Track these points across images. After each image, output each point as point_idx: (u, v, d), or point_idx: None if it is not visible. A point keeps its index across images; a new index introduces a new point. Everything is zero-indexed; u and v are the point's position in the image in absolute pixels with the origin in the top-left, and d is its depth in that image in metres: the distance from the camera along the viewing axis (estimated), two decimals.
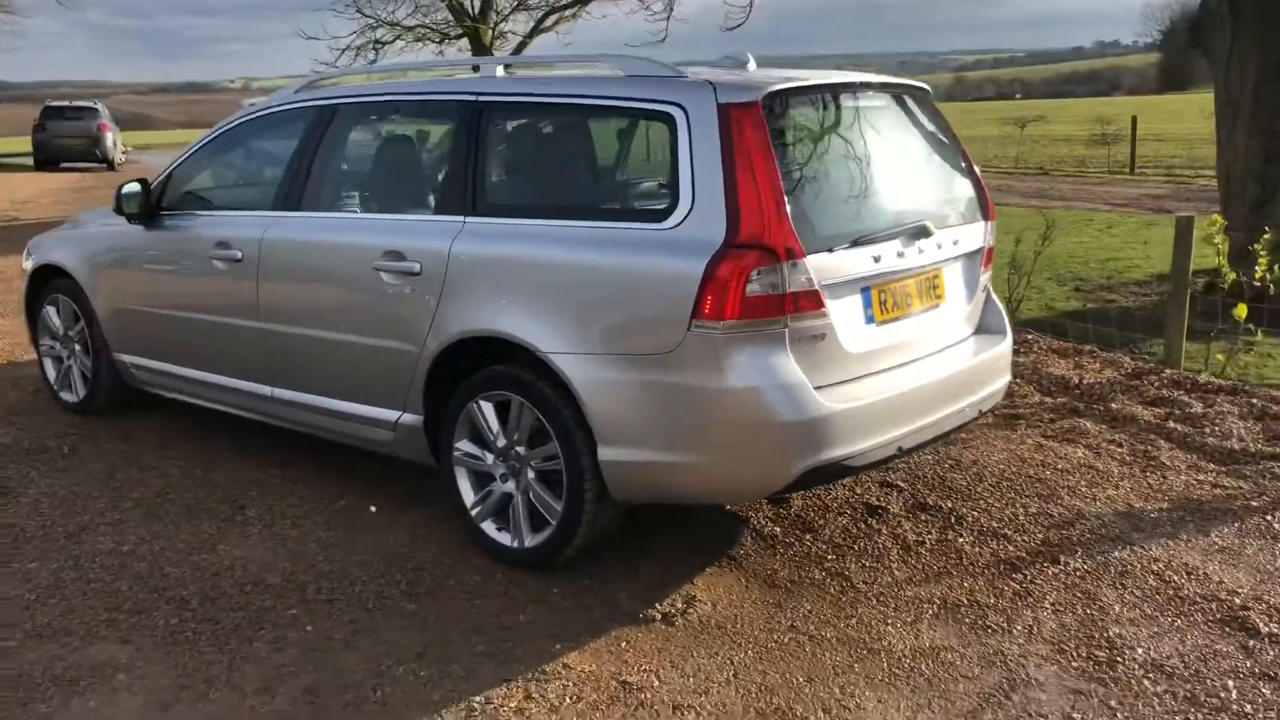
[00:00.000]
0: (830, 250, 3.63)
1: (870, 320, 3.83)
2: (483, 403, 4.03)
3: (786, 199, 3.51)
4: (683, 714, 3.14)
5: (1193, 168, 22.53)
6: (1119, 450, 5.18)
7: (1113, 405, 5.74)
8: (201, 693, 3.24)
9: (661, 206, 3.65)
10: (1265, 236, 6.22)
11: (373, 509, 4.57)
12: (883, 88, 4.23)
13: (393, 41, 20.45)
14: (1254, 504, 4.54)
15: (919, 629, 3.60)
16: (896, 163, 4.19)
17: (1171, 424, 5.44)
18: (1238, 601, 3.74)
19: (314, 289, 4.55)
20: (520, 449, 3.97)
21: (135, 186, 5.17)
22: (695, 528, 4.38)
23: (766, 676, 3.33)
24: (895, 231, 3.91)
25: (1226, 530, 4.31)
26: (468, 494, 4.17)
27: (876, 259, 3.81)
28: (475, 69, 4.51)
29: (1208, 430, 5.33)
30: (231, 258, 4.79)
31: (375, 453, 4.69)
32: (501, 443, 4.02)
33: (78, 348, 5.87)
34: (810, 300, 3.55)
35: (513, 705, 3.17)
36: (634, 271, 3.63)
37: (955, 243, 4.23)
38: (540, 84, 4.19)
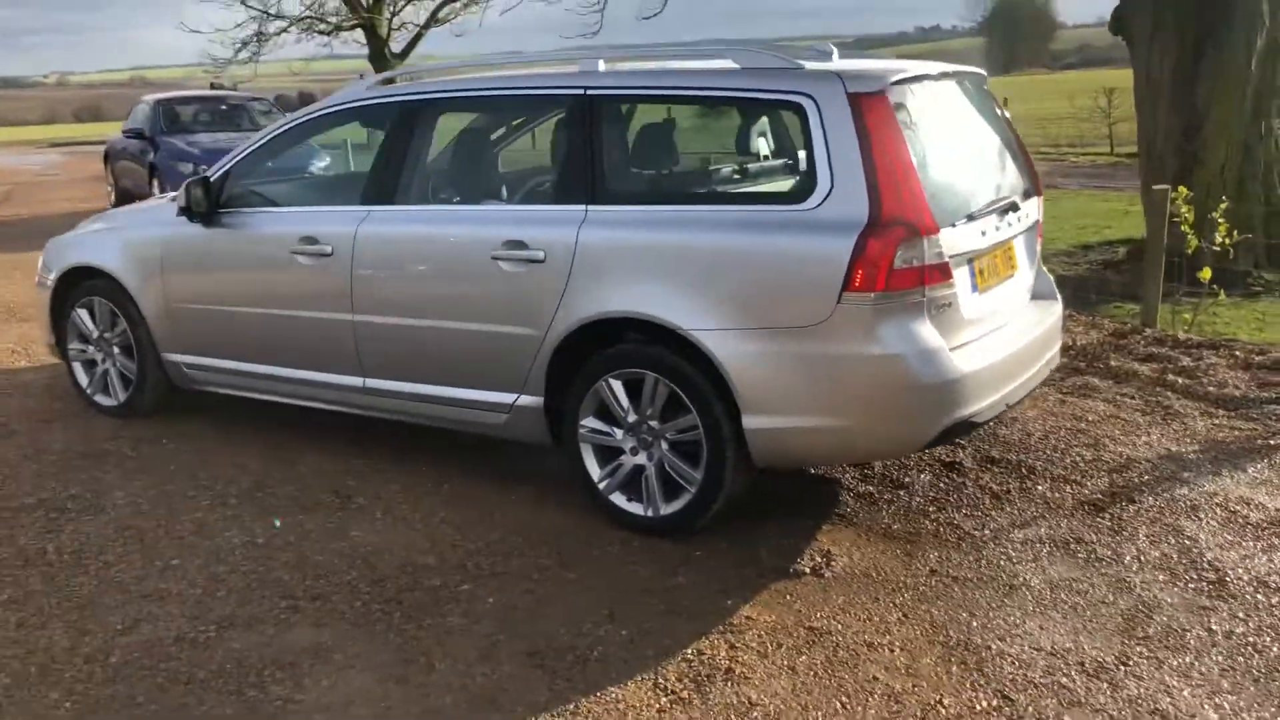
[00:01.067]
0: (953, 225, 3.98)
1: (975, 289, 4.20)
2: (612, 380, 4.24)
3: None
4: (877, 651, 3.45)
5: (1055, 146, 23.88)
6: (1134, 402, 5.71)
7: (1111, 363, 6.29)
8: (427, 666, 3.39)
9: (797, 189, 3.94)
10: (1223, 205, 6.87)
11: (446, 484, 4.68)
12: (960, 75, 4.60)
13: (279, 34, 20.05)
14: (1272, 442, 5.11)
15: (1043, 566, 4.00)
16: (979, 143, 4.57)
17: (1170, 377, 6.00)
18: None
19: (419, 280, 4.66)
20: (653, 422, 4.20)
21: (199, 184, 5.17)
22: (795, 489, 4.69)
23: (933, 615, 3.67)
24: (994, 207, 4.29)
25: (1259, 465, 4.85)
26: (594, 469, 4.37)
27: (983, 233, 4.18)
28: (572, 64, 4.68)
29: (1205, 381, 5.91)
30: (320, 252, 4.85)
31: (458, 433, 4.86)
32: (632, 418, 4.24)
33: (117, 350, 5.79)
34: (942, 272, 3.89)
35: (722, 655, 3.43)
36: (779, 250, 3.90)
37: (1027, 215, 4.65)
38: (658, 76, 4.41)
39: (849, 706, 3.17)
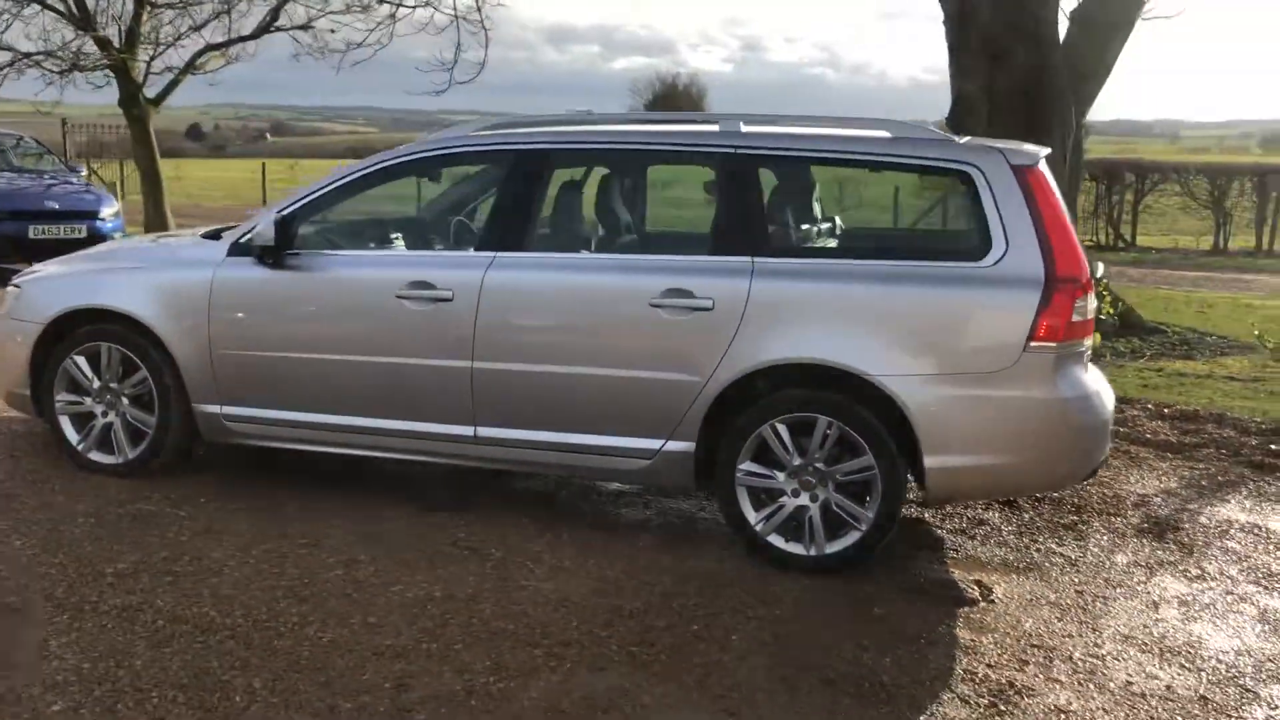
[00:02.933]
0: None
1: None
2: (778, 425, 4.43)
3: None
4: (1112, 661, 3.84)
5: None
6: None
7: None
8: (748, 701, 3.43)
9: (972, 246, 4.34)
10: (1104, 281, 7.98)
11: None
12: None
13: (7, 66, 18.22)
14: (1231, 478, 6.02)
15: (1160, 583, 4.56)
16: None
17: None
18: None
19: (560, 326, 4.64)
20: (820, 464, 4.42)
21: (278, 225, 4.85)
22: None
23: (1119, 622, 4.13)
24: (1095, 272, 4.88)
25: (1239, 495, 5.72)
26: (750, 512, 4.51)
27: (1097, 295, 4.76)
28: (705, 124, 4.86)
29: (1141, 430, 6.84)
30: (437, 298, 4.71)
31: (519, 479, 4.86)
32: (797, 461, 4.44)
33: (126, 401, 5.24)
34: (1091, 325, 4.42)
35: (990, 672, 3.70)
36: (961, 301, 4.28)
37: None
38: (817, 140, 4.68)
39: (1135, 706, 3.53)
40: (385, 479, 5.45)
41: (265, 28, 18.68)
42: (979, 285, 4.28)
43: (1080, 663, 3.81)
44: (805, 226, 4.84)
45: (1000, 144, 4.53)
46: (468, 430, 4.80)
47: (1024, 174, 4.35)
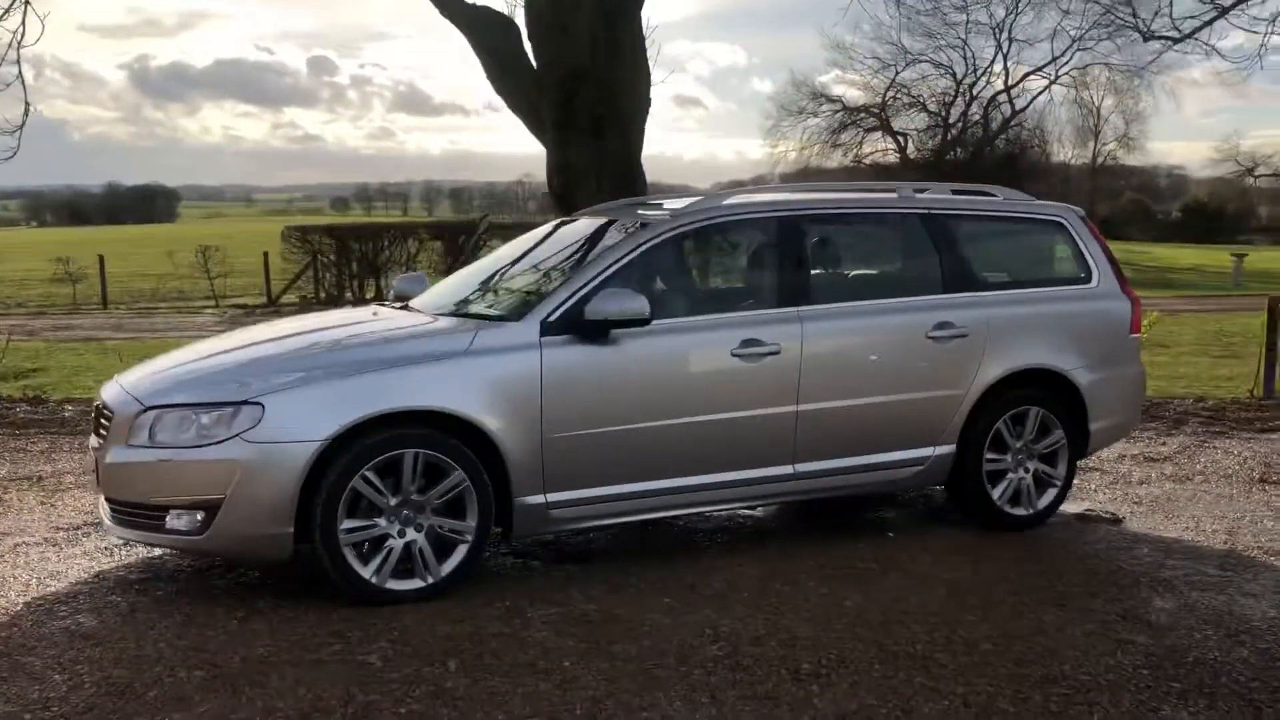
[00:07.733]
0: None
1: None
2: (1007, 419, 5.84)
3: None
4: (1255, 533, 6.02)
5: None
6: None
7: None
8: None
9: (1081, 274, 6.20)
10: None
11: (890, 535, 5.75)
12: None
13: None
14: None
15: (1228, 516, 6.88)
16: None
17: None
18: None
19: (863, 364, 5.47)
20: (1031, 444, 5.92)
21: (639, 300, 4.86)
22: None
23: (1217, 508, 6.33)
24: None
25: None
26: (992, 491, 5.83)
27: None
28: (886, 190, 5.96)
29: None
30: (767, 352, 5.19)
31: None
32: (1018, 444, 5.89)
33: (432, 513, 4.65)
34: None
35: (1208, 556, 5.64)
36: (1096, 312, 6.14)
37: None
38: (972, 204, 6.09)
39: None
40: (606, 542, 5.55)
41: None
42: (1099, 299, 6.17)
43: (1257, 539, 5.89)
44: (990, 266, 6.22)
45: (1063, 204, 6.46)
46: (788, 469, 5.35)
47: (1088, 222, 6.34)
